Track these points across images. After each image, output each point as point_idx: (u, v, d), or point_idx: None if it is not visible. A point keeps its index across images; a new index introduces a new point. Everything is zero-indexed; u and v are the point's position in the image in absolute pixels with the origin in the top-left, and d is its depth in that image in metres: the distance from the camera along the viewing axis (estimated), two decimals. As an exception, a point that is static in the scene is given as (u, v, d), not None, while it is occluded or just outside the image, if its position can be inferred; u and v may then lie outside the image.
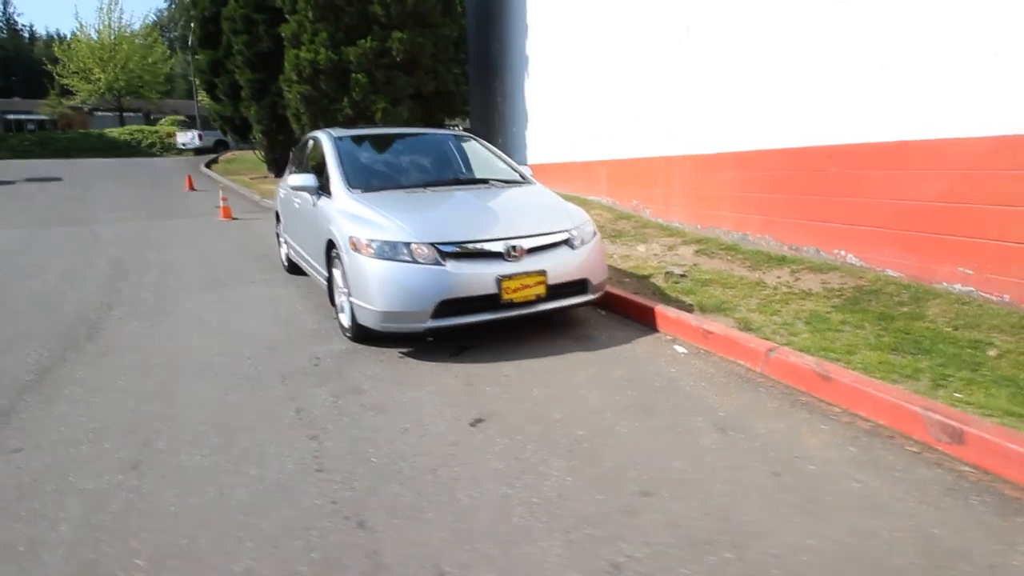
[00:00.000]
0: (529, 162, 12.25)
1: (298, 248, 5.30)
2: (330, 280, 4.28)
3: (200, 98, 28.85)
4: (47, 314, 4.86)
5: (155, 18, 53.74)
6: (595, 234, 4.09)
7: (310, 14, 12.77)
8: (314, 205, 4.49)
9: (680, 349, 3.66)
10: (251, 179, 19.08)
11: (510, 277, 3.58)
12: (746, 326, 3.72)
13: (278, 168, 19.17)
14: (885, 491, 2.18)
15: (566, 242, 3.88)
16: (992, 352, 3.06)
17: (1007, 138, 3.55)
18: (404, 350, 3.76)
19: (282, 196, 6.04)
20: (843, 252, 4.82)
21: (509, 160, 5.08)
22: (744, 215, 5.94)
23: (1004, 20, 3.62)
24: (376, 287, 3.51)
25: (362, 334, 3.83)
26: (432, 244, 3.54)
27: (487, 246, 3.62)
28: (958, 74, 3.86)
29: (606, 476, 2.30)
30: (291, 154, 6.28)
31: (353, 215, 3.89)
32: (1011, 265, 3.60)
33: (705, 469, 2.34)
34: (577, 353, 3.64)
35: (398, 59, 12.76)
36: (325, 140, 4.82)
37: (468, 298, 3.53)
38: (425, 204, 4.07)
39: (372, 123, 13.18)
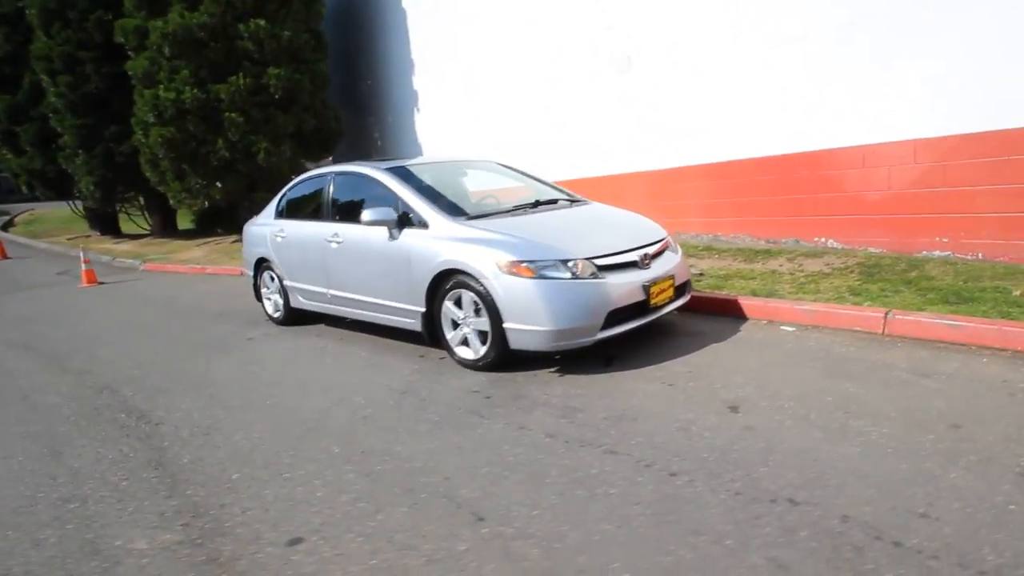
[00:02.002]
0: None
1: (337, 292, 4.90)
2: (432, 316, 4.11)
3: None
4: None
5: None
6: None
7: (166, 50, 11.53)
8: (391, 239, 4.27)
9: (788, 328, 4.20)
10: (70, 239, 16.24)
11: (654, 283, 3.83)
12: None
13: (110, 226, 16.48)
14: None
15: (668, 248, 4.24)
16: (1017, 292, 4.07)
17: (969, 135, 4.73)
18: (554, 370, 3.78)
19: (279, 241, 5.49)
20: (823, 239, 5.84)
21: (544, 179, 5.29)
22: (714, 219, 6.81)
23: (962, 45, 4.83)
24: (546, 307, 3.52)
25: (502, 361, 3.78)
26: (588, 259, 3.66)
27: (627, 257, 3.83)
28: (926, 87, 5.00)
29: (919, 419, 2.68)
30: (283, 197, 5.74)
31: (481, 240, 3.83)
32: (981, 230, 4.78)
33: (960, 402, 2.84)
34: (713, 345, 3.99)
35: (276, 96, 12.06)
36: (380, 174, 4.60)
37: (626, 307, 3.70)
38: (540, 225, 4.13)
39: (256, 165, 12.24)
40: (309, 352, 4.81)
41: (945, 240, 5.01)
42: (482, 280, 3.69)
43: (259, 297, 6.13)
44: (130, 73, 11.64)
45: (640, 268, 3.86)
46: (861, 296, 4.47)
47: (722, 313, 4.66)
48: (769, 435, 2.69)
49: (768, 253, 6.04)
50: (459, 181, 5.01)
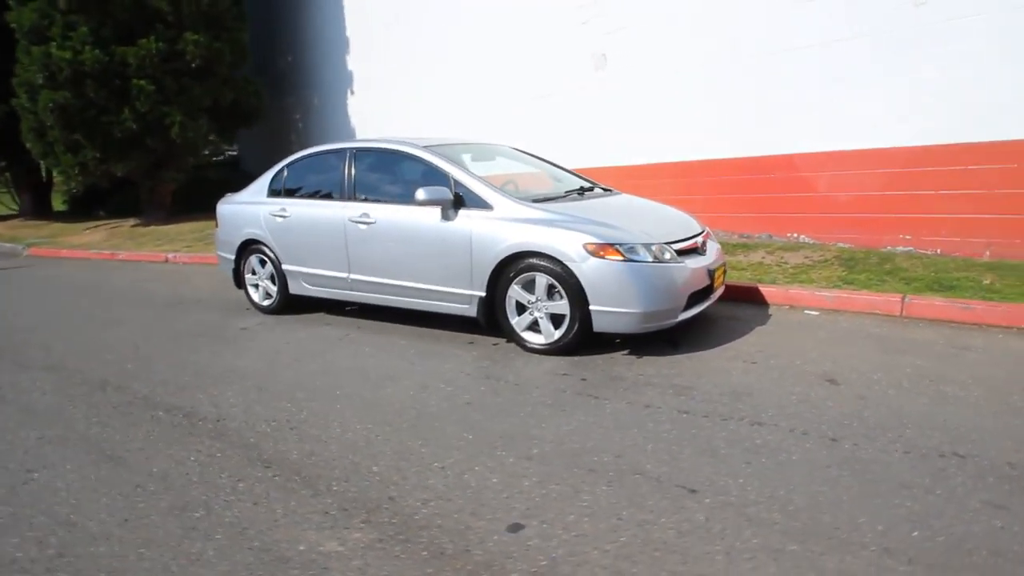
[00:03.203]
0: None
1: (361, 277, 4.59)
2: (491, 300, 4.01)
3: None
4: None
5: None
6: None
7: (60, 2, 10.07)
8: (445, 220, 4.09)
9: (812, 313, 4.60)
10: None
11: (716, 268, 4.03)
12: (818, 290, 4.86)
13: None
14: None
15: (709, 237, 4.47)
16: (987, 281, 4.77)
17: (932, 147, 5.45)
18: (626, 352, 3.84)
19: (279, 222, 5.02)
20: (796, 234, 6.43)
21: (562, 166, 5.33)
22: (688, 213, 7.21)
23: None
24: (637, 289, 3.57)
25: (577, 345, 3.78)
26: (665, 244, 3.76)
27: (691, 243, 3.99)
28: (896, 102, 5.66)
29: (992, 384, 3.07)
30: (281, 174, 5.23)
31: (558, 223, 3.79)
32: (940, 229, 5.53)
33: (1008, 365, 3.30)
34: (758, 328, 4.26)
35: (193, 65, 10.98)
36: (422, 152, 4.38)
37: (699, 290, 3.86)
38: (603, 210, 4.15)
39: (168, 140, 11.05)
40: (335, 341, 4.47)
41: (908, 237, 5.74)
42: (566, 263, 3.66)
43: (240, 284, 5.57)
44: (13, 25, 9.95)
45: (699, 254, 4.04)
46: (854, 285, 5.01)
47: (744, 300, 4.99)
48: (884, 402, 2.96)
49: (746, 246, 6.52)
50: (486, 165, 4.91)
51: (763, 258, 6.07)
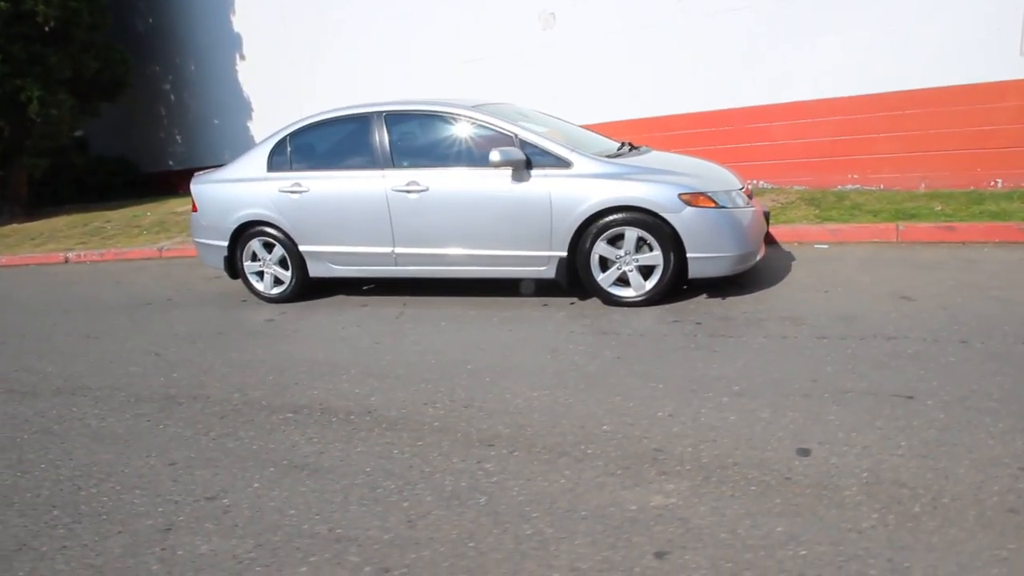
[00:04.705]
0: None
1: (410, 250, 4.31)
2: (574, 260, 4.00)
3: None
4: None
5: None
6: None
7: None
8: (517, 182, 3.98)
9: (822, 246, 5.14)
10: None
11: (768, 214, 4.36)
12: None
13: None
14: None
15: (741, 185, 4.81)
16: (938, 208, 5.65)
17: (876, 95, 6.25)
18: (705, 297, 4.06)
19: (296, 198, 4.51)
20: (756, 180, 7.05)
21: (571, 122, 5.34)
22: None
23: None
24: (730, 234, 3.78)
25: (666, 293, 3.92)
26: (737, 191, 3.99)
27: (746, 189, 4.25)
28: (842, 56, 6.35)
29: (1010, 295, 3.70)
30: (285, 144, 4.66)
31: (644, 177, 3.87)
32: (883, 167, 6.40)
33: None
34: (791, 263, 4.69)
35: (46, 28, 9.31)
36: (478, 113, 4.17)
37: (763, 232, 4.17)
38: (665, 163, 4.25)
39: (25, 118, 9.31)
40: (394, 320, 4.19)
41: (855, 176, 6.57)
42: (663, 214, 3.75)
43: (236, 273, 4.94)
44: None
45: (750, 199, 4.35)
46: (833, 220, 5.68)
47: (753, 241, 5.43)
48: (964, 309, 3.46)
49: (711, 195, 7.06)
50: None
51: (735, 204, 6.61)
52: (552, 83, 7.93)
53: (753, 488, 2.06)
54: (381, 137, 4.36)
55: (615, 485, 2.13)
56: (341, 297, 4.87)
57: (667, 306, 3.95)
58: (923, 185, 6.26)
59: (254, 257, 4.84)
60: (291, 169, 4.63)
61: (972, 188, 5.98)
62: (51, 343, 4.44)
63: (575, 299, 4.24)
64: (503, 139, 4.07)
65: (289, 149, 4.67)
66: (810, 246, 5.24)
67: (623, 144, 4.73)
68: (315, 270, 4.69)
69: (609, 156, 4.17)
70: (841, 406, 2.53)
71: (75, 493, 2.38)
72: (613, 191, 3.84)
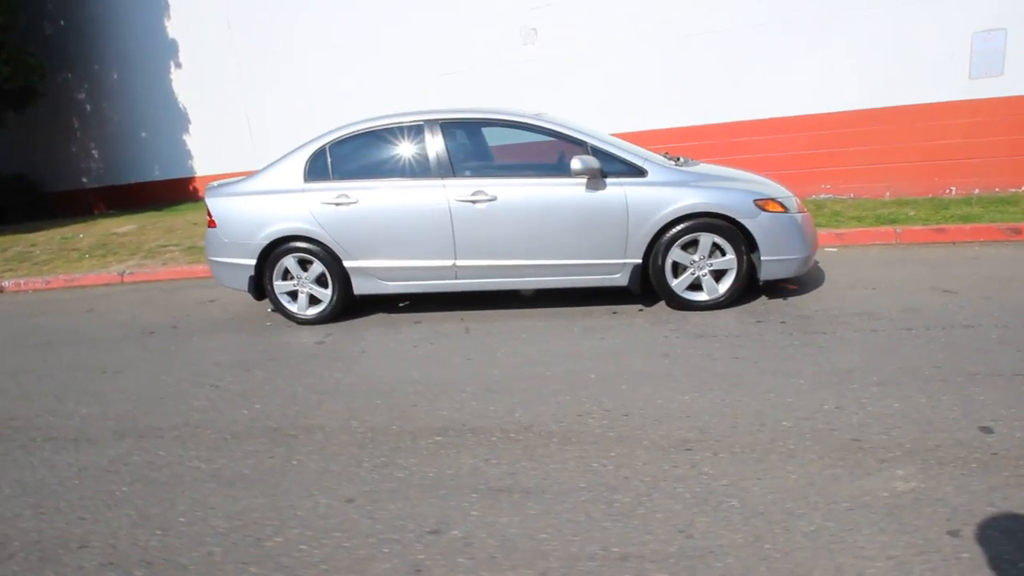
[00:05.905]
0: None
1: (473, 262, 4.17)
2: (646, 267, 4.06)
3: None
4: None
5: None
6: None
7: None
8: (592, 191, 3.98)
9: (831, 249, 5.54)
10: None
11: (807, 216, 4.66)
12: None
13: None
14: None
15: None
16: (912, 213, 6.28)
17: (846, 112, 6.87)
18: (767, 298, 4.25)
19: (343, 211, 4.23)
20: (736, 192, 7.49)
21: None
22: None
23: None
24: (798, 237, 4.00)
25: (738, 296, 4.07)
26: (792, 197, 4.23)
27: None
28: (818, 77, 6.93)
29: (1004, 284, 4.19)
30: (323, 153, 4.35)
31: (718, 185, 4.02)
32: (853, 179, 7.03)
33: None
34: (820, 265, 5.02)
35: (-47, 27, 8.25)
36: (544, 122, 4.13)
37: (814, 235, 4.44)
38: (719, 172, 4.41)
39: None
40: (464, 336, 4.02)
41: (828, 186, 7.17)
42: (740, 219, 3.90)
43: (262, 294, 4.54)
44: None
45: (793, 205, 4.63)
46: (820, 226, 6.16)
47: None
48: (1007, 298, 3.87)
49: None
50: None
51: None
52: (528, 98, 8.01)
53: (973, 465, 2.18)
54: (438, 146, 4.21)
55: (848, 476, 2.18)
56: (380, 316, 4.61)
57: (737, 308, 4.09)
58: (888, 194, 6.95)
59: (285, 275, 4.47)
60: (332, 179, 4.34)
61: (931, 195, 6.72)
62: (59, 381, 3.84)
63: (642, 306, 4.29)
64: (576, 148, 4.06)
65: (330, 159, 4.37)
66: (820, 249, 5.63)
67: (664, 154, 4.86)
68: (361, 287, 4.40)
69: (680, 164, 4.28)
70: (981, 387, 2.74)
71: (258, 545, 2.07)
72: (695, 198, 3.94)
